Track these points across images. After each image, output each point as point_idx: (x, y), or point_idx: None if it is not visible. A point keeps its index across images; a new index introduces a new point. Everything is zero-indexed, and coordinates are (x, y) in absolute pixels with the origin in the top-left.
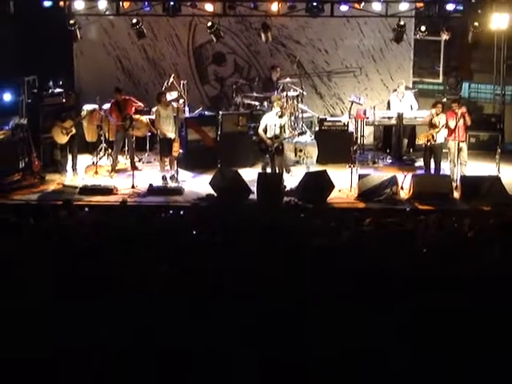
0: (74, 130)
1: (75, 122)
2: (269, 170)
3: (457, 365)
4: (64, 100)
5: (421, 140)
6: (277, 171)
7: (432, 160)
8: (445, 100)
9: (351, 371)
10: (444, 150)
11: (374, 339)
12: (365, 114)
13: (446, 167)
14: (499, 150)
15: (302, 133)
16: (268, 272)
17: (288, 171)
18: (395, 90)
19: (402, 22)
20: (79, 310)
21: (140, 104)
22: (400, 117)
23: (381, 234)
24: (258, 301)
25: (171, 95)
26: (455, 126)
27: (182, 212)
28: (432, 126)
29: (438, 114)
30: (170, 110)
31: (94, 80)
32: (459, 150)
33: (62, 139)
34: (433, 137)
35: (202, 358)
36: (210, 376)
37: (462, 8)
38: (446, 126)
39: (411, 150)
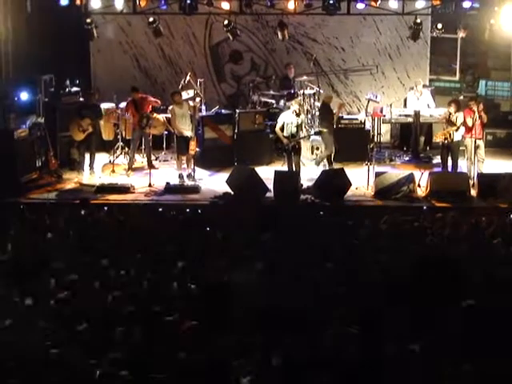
0: (90, 129)
1: (94, 121)
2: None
3: None
4: (83, 98)
5: (438, 138)
6: (294, 169)
7: (449, 158)
8: (462, 98)
9: None
10: (461, 148)
11: None
12: (381, 111)
13: (463, 165)
14: None
15: (318, 132)
16: None
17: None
18: (412, 88)
19: (418, 20)
20: None
21: (157, 100)
22: (417, 114)
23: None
24: None
25: (188, 94)
26: (473, 124)
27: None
28: (449, 123)
29: (454, 112)
30: (186, 109)
31: (111, 79)
32: (476, 147)
33: (78, 136)
34: (450, 135)
35: None
36: None
37: (478, 5)
38: (464, 123)
39: (428, 148)
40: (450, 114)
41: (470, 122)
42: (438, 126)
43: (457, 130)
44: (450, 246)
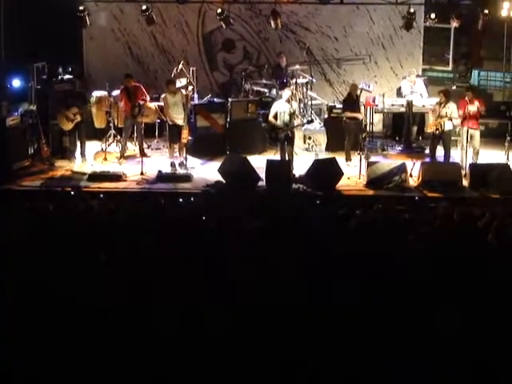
0: (79, 118)
1: (81, 109)
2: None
3: None
4: (70, 87)
5: (430, 128)
6: (286, 158)
7: (442, 148)
8: (454, 88)
9: None
10: (454, 138)
11: None
12: (374, 101)
13: (456, 155)
14: (508, 138)
15: (311, 121)
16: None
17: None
18: (404, 78)
19: (411, 10)
20: None
21: (146, 95)
22: (409, 104)
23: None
24: None
25: (180, 82)
26: (467, 114)
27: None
28: (437, 115)
29: (441, 103)
30: (179, 97)
31: (104, 66)
32: (470, 137)
33: (67, 126)
34: (441, 125)
35: None
36: None
37: None
38: (463, 113)
39: (420, 138)
40: (441, 104)
41: (464, 112)
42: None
43: (449, 120)
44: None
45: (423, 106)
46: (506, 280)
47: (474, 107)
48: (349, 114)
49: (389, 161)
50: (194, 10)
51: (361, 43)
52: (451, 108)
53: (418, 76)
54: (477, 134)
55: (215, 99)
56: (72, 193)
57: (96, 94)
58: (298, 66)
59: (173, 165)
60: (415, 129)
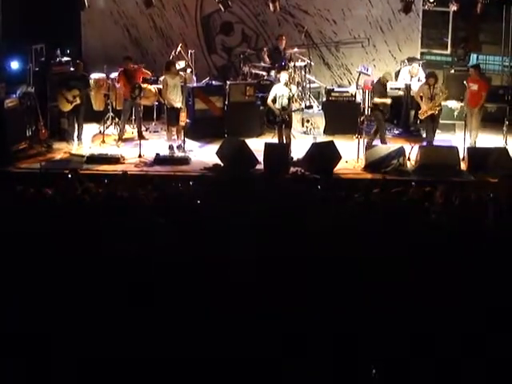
0: (78, 101)
1: (82, 92)
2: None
3: None
4: (73, 69)
5: (423, 115)
6: (284, 142)
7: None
8: (452, 71)
9: None
10: (451, 122)
11: None
12: (372, 84)
13: (453, 139)
14: (507, 122)
15: (310, 106)
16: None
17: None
18: (403, 62)
19: None
20: None
21: (148, 72)
22: (407, 88)
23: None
24: None
25: (179, 65)
26: (468, 93)
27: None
28: (428, 98)
29: (430, 86)
30: (178, 80)
31: (102, 49)
32: (470, 116)
33: (66, 107)
34: (437, 108)
35: None
36: None
37: None
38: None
39: (418, 122)
40: (429, 86)
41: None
42: None
43: (445, 100)
44: None
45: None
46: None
47: (474, 86)
48: (378, 101)
49: (387, 144)
50: None
51: (359, 26)
52: (439, 88)
53: (415, 60)
54: (475, 113)
55: (213, 82)
56: (69, 176)
57: (94, 76)
58: (296, 49)
59: (171, 147)
60: (413, 112)
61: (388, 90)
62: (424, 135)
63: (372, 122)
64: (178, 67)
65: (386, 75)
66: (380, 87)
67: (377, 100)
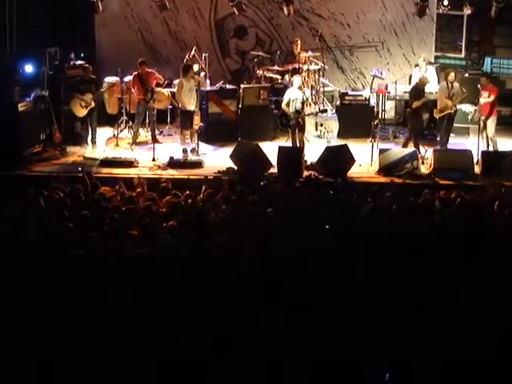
0: (92, 104)
1: (95, 95)
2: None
3: None
4: (83, 73)
5: (438, 114)
6: (298, 145)
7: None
8: (467, 75)
9: None
10: (466, 126)
11: None
12: (386, 88)
13: (467, 143)
14: None
15: (324, 110)
16: None
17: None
18: (417, 65)
19: None
20: None
21: (161, 77)
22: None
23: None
24: None
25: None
26: (480, 102)
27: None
28: (447, 96)
29: (449, 83)
30: (193, 83)
31: (116, 52)
32: (483, 124)
33: (81, 112)
34: (453, 109)
35: None
36: None
37: None
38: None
39: (432, 125)
40: (449, 84)
41: (481, 101)
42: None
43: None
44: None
45: (435, 92)
46: None
47: (485, 94)
48: (418, 103)
49: (400, 148)
50: None
51: (373, 30)
52: (456, 88)
53: (429, 63)
54: (488, 121)
55: (227, 86)
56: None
57: (108, 79)
58: (310, 53)
59: (185, 151)
60: (427, 116)
61: (400, 92)
62: (438, 138)
63: (385, 125)
64: None
65: (423, 79)
66: (417, 91)
67: (416, 103)
